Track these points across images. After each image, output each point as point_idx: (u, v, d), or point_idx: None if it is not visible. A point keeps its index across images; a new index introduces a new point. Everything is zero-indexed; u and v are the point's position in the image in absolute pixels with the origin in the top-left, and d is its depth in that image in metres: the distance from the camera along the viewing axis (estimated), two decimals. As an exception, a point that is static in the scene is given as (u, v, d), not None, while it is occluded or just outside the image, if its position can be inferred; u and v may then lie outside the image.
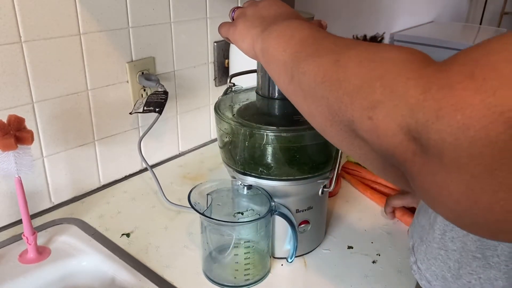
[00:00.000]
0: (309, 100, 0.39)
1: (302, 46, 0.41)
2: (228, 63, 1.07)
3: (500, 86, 0.24)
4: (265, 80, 0.65)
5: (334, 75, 0.35)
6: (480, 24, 3.32)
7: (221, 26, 0.58)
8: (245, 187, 0.66)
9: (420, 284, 0.51)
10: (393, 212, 0.81)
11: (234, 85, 0.75)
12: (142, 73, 0.90)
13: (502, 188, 0.25)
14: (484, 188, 0.26)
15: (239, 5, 0.58)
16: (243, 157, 0.64)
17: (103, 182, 0.91)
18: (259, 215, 0.65)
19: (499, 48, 0.25)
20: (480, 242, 0.43)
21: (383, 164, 0.33)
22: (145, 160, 0.86)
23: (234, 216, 0.67)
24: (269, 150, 0.62)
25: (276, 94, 0.67)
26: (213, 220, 0.63)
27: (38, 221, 0.78)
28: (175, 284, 0.65)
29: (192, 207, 0.61)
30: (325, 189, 0.68)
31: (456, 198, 0.28)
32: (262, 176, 0.64)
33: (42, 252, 0.69)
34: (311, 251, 0.72)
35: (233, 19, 0.57)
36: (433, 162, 0.28)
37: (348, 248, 0.74)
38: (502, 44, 0.26)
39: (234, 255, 0.64)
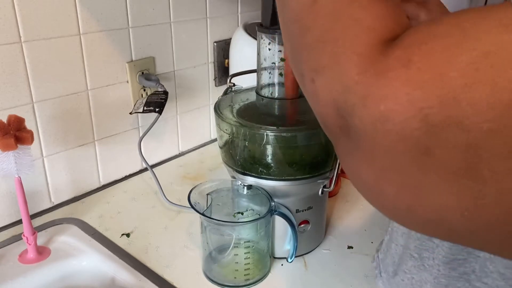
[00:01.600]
0: (285, 32, 0.36)
1: None
2: (228, 63, 1.07)
3: (429, 80, 0.23)
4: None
5: (306, 19, 0.31)
6: (480, 24, 3.32)
7: None
8: (245, 187, 0.66)
9: (374, 274, 0.52)
10: None
11: (234, 85, 0.75)
12: (142, 73, 0.90)
13: (406, 186, 0.25)
14: (390, 183, 0.26)
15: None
16: (243, 157, 0.64)
17: (103, 182, 0.91)
18: (259, 215, 0.65)
19: (444, 32, 0.24)
20: (419, 242, 0.43)
21: (322, 125, 0.32)
22: (145, 160, 0.86)
23: (234, 216, 0.67)
24: (269, 150, 0.62)
25: (276, 94, 0.67)
26: (213, 220, 0.63)
27: (38, 221, 0.78)
28: (175, 284, 0.65)
29: (192, 207, 0.61)
30: (325, 189, 0.68)
31: (366, 185, 0.28)
32: (262, 176, 0.64)
33: (42, 252, 0.69)
34: (311, 251, 0.72)
35: None
36: (352, 143, 0.27)
37: (348, 248, 0.74)
38: (449, 27, 0.24)
39: (234, 255, 0.64)
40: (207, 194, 0.66)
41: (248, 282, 0.65)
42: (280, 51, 0.64)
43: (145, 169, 0.97)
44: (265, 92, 0.68)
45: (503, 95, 0.21)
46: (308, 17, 0.31)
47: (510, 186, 0.22)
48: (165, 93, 0.88)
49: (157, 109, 0.84)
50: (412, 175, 0.25)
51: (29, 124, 0.65)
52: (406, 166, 0.25)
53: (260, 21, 0.67)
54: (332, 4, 0.30)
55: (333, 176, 0.68)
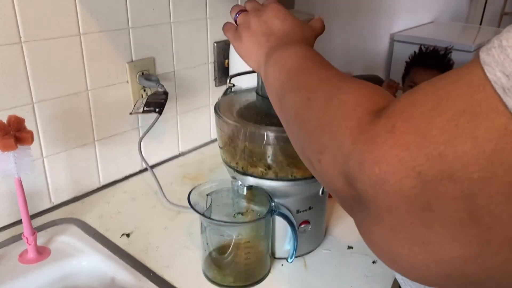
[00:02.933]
0: (288, 130, 0.42)
1: (289, 77, 0.43)
2: (228, 63, 1.07)
3: (413, 140, 0.25)
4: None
5: (304, 112, 0.37)
6: (480, 24, 3.32)
7: (225, 28, 0.59)
8: (245, 187, 0.66)
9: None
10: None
11: (233, 85, 0.75)
12: (142, 73, 0.90)
13: (416, 242, 0.26)
14: (402, 242, 0.27)
15: (239, 4, 0.58)
16: (243, 157, 0.64)
17: (103, 182, 0.91)
18: (259, 215, 0.65)
19: (422, 99, 0.26)
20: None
21: (338, 200, 0.35)
22: (145, 160, 0.86)
23: (234, 217, 0.67)
24: (269, 150, 0.62)
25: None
26: (213, 221, 0.63)
27: (38, 221, 0.78)
28: (175, 284, 0.65)
29: (192, 207, 0.61)
30: (325, 189, 0.68)
31: (381, 247, 0.29)
32: (262, 176, 0.64)
33: (42, 252, 0.69)
34: (311, 251, 0.72)
35: (235, 22, 0.57)
36: (363, 209, 0.29)
37: (348, 248, 0.74)
38: (426, 94, 0.26)
39: (234, 255, 0.64)
40: (207, 195, 0.66)
41: (248, 282, 0.65)
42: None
43: (145, 169, 0.97)
44: (265, 92, 0.68)
45: (485, 145, 0.23)
46: (306, 112, 0.36)
47: None
48: (165, 93, 0.88)
49: (157, 109, 0.84)
50: (419, 231, 0.26)
51: (29, 124, 0.65)
52: (412, 223, 0.26)
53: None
54: (323, 96, 0.35)
55: (333, 176, 0.68)
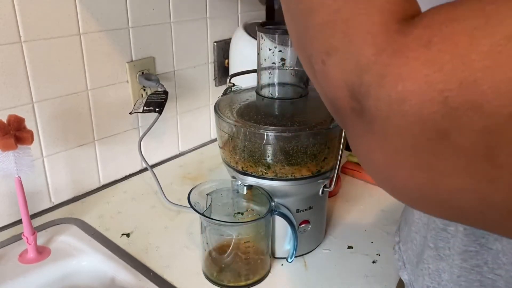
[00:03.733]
0: (287, 13, 0.34)
1: None
2: (228, 63, 1.07)
3: (449, 61, 0.22)
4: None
5: None
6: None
7: None
8: (245, 187, 0.66)
9: (397, 266, 0.51)
10: None
11: (233, 85, 0.75)
12: (142, 73, 0.90)
13: (419, 168, 0.25)
14: (403, 165, 0.26)
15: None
16: (243, 157, 0.64)
17: (103, 182, 0.91)
18: (259, 215, 0.65)
19: (465, 14, 0.23)
20: (435, 232, 0.43)
21: (331, 108, 0.31)
22: (145, 160, 0.86)
23: (234, 216, 0.67)
24: (269, 150, 0.62)
25: (276, 94, 0.67)
26: (213, 221, 0.63)
27: (38, 221, 0.78)
28: (175, 284, 0.65)
29: (192, 207, 0.61)
30: (325, 189, 0.68)
31: (377, 166, 0.28)
32: (262, 176, 0.64)
33: (42, 252, 0.69)
34: (311, 251, 0.72)
35: None
36: (365, 125, 0.27)
37: (348, 248, 0.74)
38: (471, 10, 0.23)
39: (234, 255, 0.64)
40: (207, 194, 0.66)
41: (248, 282, 0.65)
42: (280, 51, 0.64)
43: (145, 169, 0.97)
44: (265, 92, 0.68)
45: None
46: None
47: None
48: (165, 93, 0.88)
49: (157, 109, 0.84)
50: (427, 157, 0.24)
51: (29, 124, 0.65)
52: (421, 148, 0.24)
53: (260, 21, 0.66)
54: None
55: (333, 176, 0.68)
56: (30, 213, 0.66)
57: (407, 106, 0.23)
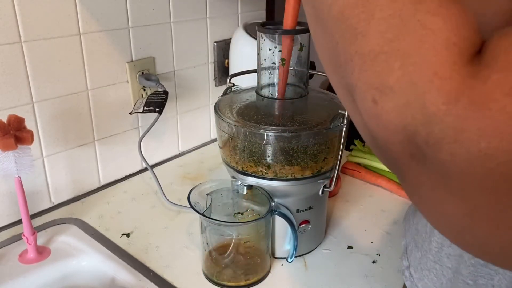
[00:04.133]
0: (319, 28, 0.28)
1: None
2: (228, 63, 1.07)
3: None
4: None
5: (354, 18, 0.25)
6: (480, 24, 3.32)
7: None
8: (245, 187, 0.66)
9: None
10: None
11: (233, 85, 0.75)
12: (142, 73, 0.90)
13: (505, 225, 0.22)
14: (484, 220, 0.23)
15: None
16: (243, 157, 0.64)
17: (103, 182, 0.91)
18: (259, 215, 0.65)
19: None
20: (473, 268, 0.39)
21: (375, 145, 0.27)
22: (145, 160, 0.86)
23: (234, 216, 0.67)
24: (269, 150, 0.62)
25: (276, 94, 0.67)
26: (213, 221, 0.63)
27: (38, 221, 0.78)
28: (175, 284, 0.65)
29: (192, 207, 0.61)
30: (325, 189, 0.68)
31: (450, 220, 0.25)
32: (262, 176, 0.64)
33: (42, 252, 0.69)
34: (311, 251, 0.72)
35: None
36: (434, 177, 0.23)
37: (348, 248, 0.74)
38: None
39: (234, 255, 0.64)
40: (207, 194, 0.66)
41: (248, 282, 0.65)
42: (280, 51, 0.64)
43: (145, 169, 0.97)
44: (265, 92, 0.68)
45: None
46: (359, 18, 0.24)
47: None
48: (165, 93, 0.88)
49: (157, 109, 0.84)
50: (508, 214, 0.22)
51: (29, 124, 0.65)
52: (508, 205, 0.21)
53: (260, 21, 0.66)
54: (388, 7, 0.23)
55: (334, 176, 0.68)
56: (30, 213, 0.66)
57: (493, 164, 0.20)
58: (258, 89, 0.69)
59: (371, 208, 0.86)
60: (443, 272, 0.43)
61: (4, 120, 0.60)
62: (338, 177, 0.73)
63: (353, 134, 0.67)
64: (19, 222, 0.74)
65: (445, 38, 0.22)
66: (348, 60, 0.25)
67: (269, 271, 0.68)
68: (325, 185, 0.67)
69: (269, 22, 0.67)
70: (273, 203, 0.64)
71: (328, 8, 0.26)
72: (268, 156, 0.63)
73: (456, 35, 0.22)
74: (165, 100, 0.86)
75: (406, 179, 0.26)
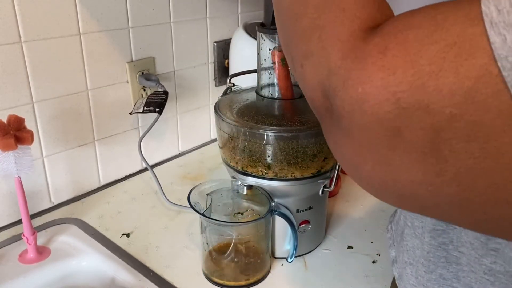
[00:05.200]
0: (278, 19, 0.37)
1: None
2: (228, 63, 1.07)
3: (401, 66, 0.25)
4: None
5: (297, 8, 0.33)
6: (480, 24, 3.32)
7: None
8: (245, 187, 0.66)
9: (388, 244, 0.52)
10: None
11: (233, 85, 0.75)
12: (142, 73, 0.90)
13: (379, 163, 0.28)
14: (366, 159, 0.28)
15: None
16: (243, 157, 0.64)
17: (103, 182, 0.91)
18: (259, 215, 0.65)
19: (419, 22, 0.26)
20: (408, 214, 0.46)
21: (311, 106, 0.34)
22: (145, 160, 0.86)
23: (234, 216, 0.67)
24: (269, 150, 0.62)
25: (276, 94, 0.67)
26: (213, 221, 0.63)
27: (38, 221, 0.78)
28: (175, 284, 0.65)
29: (192, 207, 0.61)
30: (325, 189, 0.68)
31: (346, 159, 0.31)
32: (262, 176, 0.64)
33: (42, 252, 0.69)
34: (311, 251, 0.72)
35: None
36: (335, 123, 0.30)
37: (348, 248, 0.74)
38: (424, 18, 0.26)
39: (234, 255, 0.64)
40: (207, 195, 0.66)
41: (248, 282, 0.65)
42: (280, 51, 0.64)
43: (145, 169, 0.97)
44: (265, 92, 0.68)
45: (464, 82, 0.23)
46: (300, 6, 0.33)
47: (467, 165, 0.24)
48: (165, 93, 0.88)
49: (157, 109, 0.84)
50: (384, 153, 0.27)
51: (29, 124, 0.65)
52: (379, 144, 0.27)
53: (260, 21, 0.67)
54: None
55: (333, 176, 0.68)
56: (30, 213, 0.66)
57: (366, 106, 0.26)
58: (258, 89, 0.69)
59: (371, 208, 0.86)
60: (402, 220, 0.48)
61: (4, 120, 0.60)
62: (338, 177, 0.73)
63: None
64: (19, 222, 0.74)
65: (350, 14, 0.30)
66: (291, 39, 0.34)
67: (269, 271, 0.68)
68: (325, 185, 0.67)
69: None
70: (273, 203, 0.64)
71: (282, 2, 0.35)
72: (268, 156, 0.63)
73: (361, 12, 0.30)
74: (165, 100, 0.86)
75: (324, 129, 0.33)
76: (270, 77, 0.67)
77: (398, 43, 0.26)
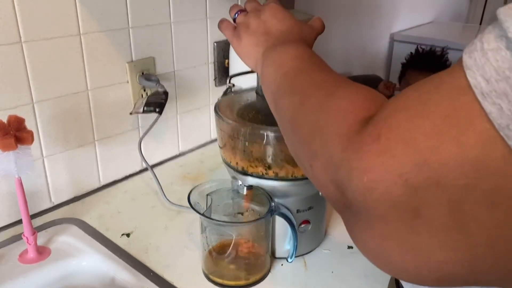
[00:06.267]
0: (283, 131, 0.42)
1: (285, 80, 0.43)
2: (228, 63, 1.07)
3: (398, 148, 0.25)
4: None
5: (297, 118, 0.37)
6: (480, 24, 3.32)
7: (223, 27, 0.59)
8: (245, 187, 0.66)
9: None
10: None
11: (233, 85, 0.75)
12: (142, 73, 0.90)
13: (407, 248, 0.26)
14: (393, 248, 0.27)
15: (239, 4, 0.58)
16: (243, 157, 0.64)
17: (103, 182, 0.91)
18: (259, 215, 0.65)
19: (405, 105, 0.26)
20: None
21: (331, 204, 0.34)
22: (145, 160, 0.86)
23: (234, 216, 0.67)
24: (269, 150, 0.62)
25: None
26: (213, 221, 0.63)
27: (38, 221, 0.78)
28: (175, 284, 0.65)
29: (192, 207, 0.61)
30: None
31: (373, 252, 0.29)
32: (262, 176, 0.64)
33: (42, 252, 0.69)
34: (311, 251, 0.72)
35: (234, 21, 0.57)
36: (355, 216, 0.29)
37: (348, 248, 0.74)
38: (407, 100, 0.26)
39: (234, 255, 0.64)
40: (207, 195, 0.66)
41: (248, 282, 0.65)
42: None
43: (145, 169, 0.97)
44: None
45: (470, 151, 0.22)
46: (299, 117, 0.36)
47: (497, 234, 0.23)
48: (165, 93, 0.88)
49: (157, 109, 0.84)
50: (409, 237, 0.26)
51: (29, 124, 0.65)
52: (401, 230, 0.26)
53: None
54: (316, 102, 0.35)
55: (333, 176, 0.68)
56: (30, 213, 0.66)
57: (377, 194, 0.26)
58: (258, 89, 0.69)
59: (371, 208, 0.86)
60: None
61: (4, 120, 0.60)
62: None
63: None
64: (19, 222, 0.74)
65: (344, 109, 0.32)
66: (298, 146, 0.37)
67: (269, 271, 0.68)
68: (325, 185, 0.67)
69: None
70: (273, 203, 0.64)
71: (284, 119, 0.40)
72: (268, 156, 0.63)
73: (355, 107, 0.32)
74: (165, 100, 0.86)
75: (346, 225, 0.32)
76: (270, 77, 0.67)
77: (389, 127, 0.26)
